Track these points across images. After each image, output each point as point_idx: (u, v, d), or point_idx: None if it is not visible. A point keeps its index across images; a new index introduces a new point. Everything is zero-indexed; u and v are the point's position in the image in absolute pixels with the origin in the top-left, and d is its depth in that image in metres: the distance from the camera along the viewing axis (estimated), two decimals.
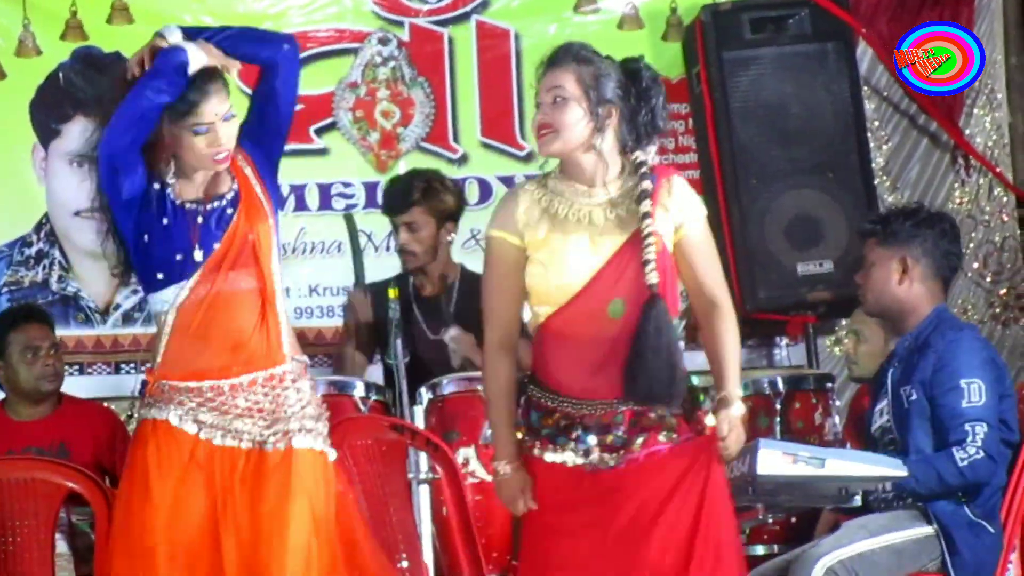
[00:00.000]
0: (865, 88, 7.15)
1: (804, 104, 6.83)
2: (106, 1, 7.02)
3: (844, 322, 6.80)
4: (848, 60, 6.93)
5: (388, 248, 6.71)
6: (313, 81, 6.90)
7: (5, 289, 6.98)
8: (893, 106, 7.34)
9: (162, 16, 6.91)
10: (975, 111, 7.35)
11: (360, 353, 6.11)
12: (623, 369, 4.04)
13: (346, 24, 7.14)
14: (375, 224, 6.84)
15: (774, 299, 6.79)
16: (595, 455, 4.09)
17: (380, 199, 6.47)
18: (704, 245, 4.21)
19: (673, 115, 7.00)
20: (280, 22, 6.99)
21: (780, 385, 5.84)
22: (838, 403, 6.00)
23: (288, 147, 4.40)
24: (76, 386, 6.21)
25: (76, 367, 6.80)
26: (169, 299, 4.08)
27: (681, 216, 4.17)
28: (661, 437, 4.09)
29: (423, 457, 5.19)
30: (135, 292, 7.02)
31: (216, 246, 4.09)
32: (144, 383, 4.16)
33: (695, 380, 4.17)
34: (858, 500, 4.81)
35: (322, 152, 7.09)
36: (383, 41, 7.20)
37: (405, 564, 4.97)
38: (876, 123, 7.29)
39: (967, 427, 4.79)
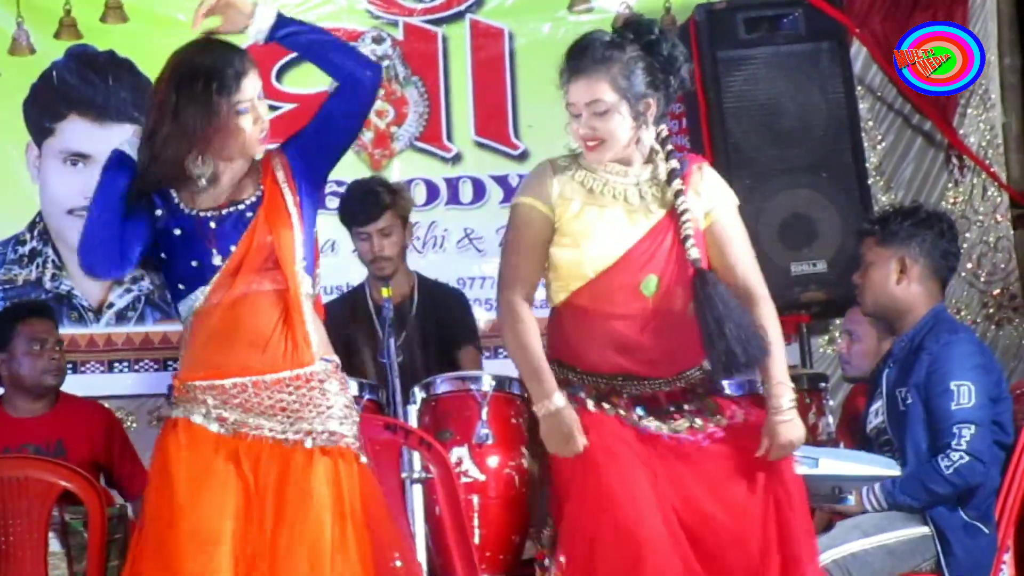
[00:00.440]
0: (859, 88, 7.14)
1: (798, 104, 6.81)
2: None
3: (838, 322, 6.80)
4: (842, 60, 6.91)
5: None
6: (307, 80, 6.88)
7: None
8: (887, 106, 7.35)
9: (156, 15, 6.94)
10: (969, 111, 7.35)
11: None
12: (707, 352, 4.04)
13: (340, 23, 7.13)
14: None
15: None
16: (647, 421, 4.09)
17: (343, 212, 6.15)
18: (736, 231, 4.21)
19: None
20: None
21: None
22: (831, 403, 5.98)
23: None
24: (69, 384, 6.19)
25: (69, 365, 6.78)
26: (191, 304, 4.08)
27: (711, 202, 4.19)
28: (710, 423, 4.10)
29: (416, 456, 5.18)
30: (128, 291, 7.02)
31: (233, 248, 4.08)
32: (170, 387, 4.16)
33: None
34: (851, 499, 4.82)
35: None
36: (377, 40, 7.19)
37: (399, 564, 4.97)
38: (870, 123, 7.29)
39: (955, 429, 4.79)
